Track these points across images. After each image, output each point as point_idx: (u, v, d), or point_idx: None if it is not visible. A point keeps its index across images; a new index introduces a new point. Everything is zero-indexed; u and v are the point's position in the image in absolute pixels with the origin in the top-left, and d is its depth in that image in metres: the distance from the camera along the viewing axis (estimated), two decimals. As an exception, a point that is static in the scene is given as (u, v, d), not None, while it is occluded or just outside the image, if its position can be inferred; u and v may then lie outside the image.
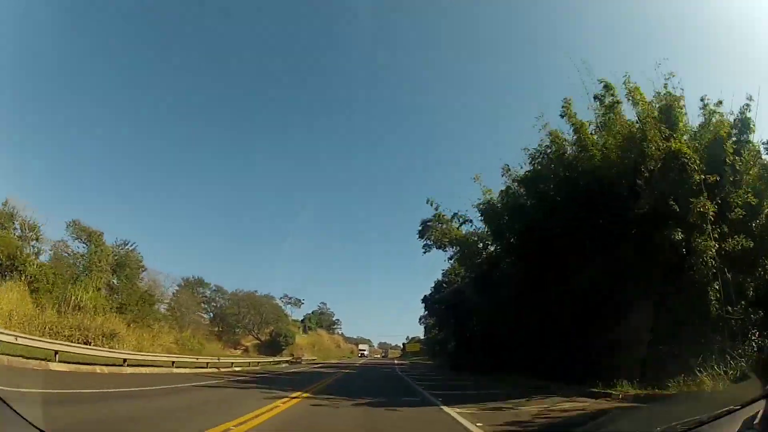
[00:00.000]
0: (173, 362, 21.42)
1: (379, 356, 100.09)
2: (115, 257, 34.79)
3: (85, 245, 33.45)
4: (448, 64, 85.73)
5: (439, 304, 35.95)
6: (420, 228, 42.01)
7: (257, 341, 57.32)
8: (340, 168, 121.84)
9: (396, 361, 70.08)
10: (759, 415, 2.23)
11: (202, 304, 54.11)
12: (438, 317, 40.45)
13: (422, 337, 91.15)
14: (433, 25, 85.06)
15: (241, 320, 55.49)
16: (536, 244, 15.53)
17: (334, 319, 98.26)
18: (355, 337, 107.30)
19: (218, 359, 28.34)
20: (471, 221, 20.28)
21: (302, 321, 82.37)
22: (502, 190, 19.24)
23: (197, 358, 25.27)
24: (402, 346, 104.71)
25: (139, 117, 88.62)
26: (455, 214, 20.60)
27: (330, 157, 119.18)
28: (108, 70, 79.10)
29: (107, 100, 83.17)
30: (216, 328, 53.18)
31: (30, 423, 2.85)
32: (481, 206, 19.74)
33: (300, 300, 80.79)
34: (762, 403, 2.31)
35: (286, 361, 44.48)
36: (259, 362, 37.08)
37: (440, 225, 41.91)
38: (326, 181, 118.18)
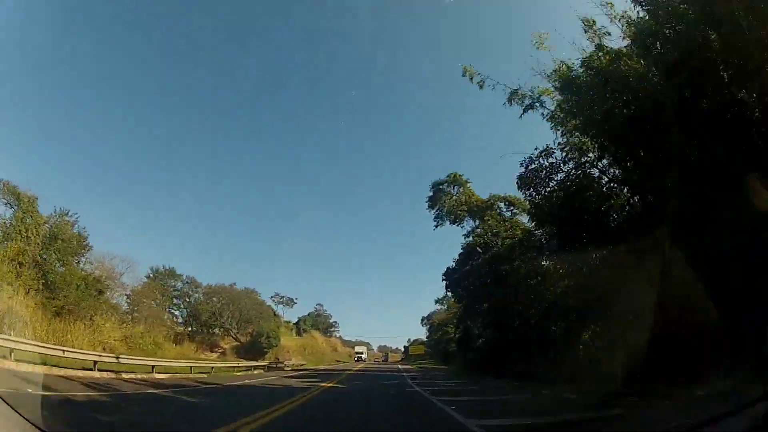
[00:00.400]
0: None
1: (379, 360, 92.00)
2: (51, 228, 27.60)
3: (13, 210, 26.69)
4: (448, 63, 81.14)
5: (468, 279, 25.73)
6: (431, 193, 33.32)
7: (237, 343, 48.70)
8: (339, 167, 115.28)
9: (400, 366, 61.58)
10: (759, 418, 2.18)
11: (174, 300, 45.88)
12: (467, 300, 29.20)
13: (425, 339, 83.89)
14: (433, 25, 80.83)
15: (219, 318, 46.89)
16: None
17: (331, 321, 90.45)
18: (353, 340, 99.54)
19: (117, 359, 18.77)
20: (541, 104, 12.72)
21: (296, 323, 74.20)
22: (584, 59, 11.73)
23: (64, 351, 15.60)
24: (404, 349, 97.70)
25: (137, 113, 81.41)
26: (514, 91, 12.95)
27: (329, 156, 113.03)
28: (103, 59, 71.80)
29: (105, 93, 75.73)
30: (189, 328, 44.84)
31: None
32: (559, 74, 11.99)
33: (293, 299, 72.73)
34: (762, 405, 2.27)
35: (263, 367, 34.13)
36: (213, 367, 27.28)
37: (455, 188, 33.42)
38: (325, 181, 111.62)
